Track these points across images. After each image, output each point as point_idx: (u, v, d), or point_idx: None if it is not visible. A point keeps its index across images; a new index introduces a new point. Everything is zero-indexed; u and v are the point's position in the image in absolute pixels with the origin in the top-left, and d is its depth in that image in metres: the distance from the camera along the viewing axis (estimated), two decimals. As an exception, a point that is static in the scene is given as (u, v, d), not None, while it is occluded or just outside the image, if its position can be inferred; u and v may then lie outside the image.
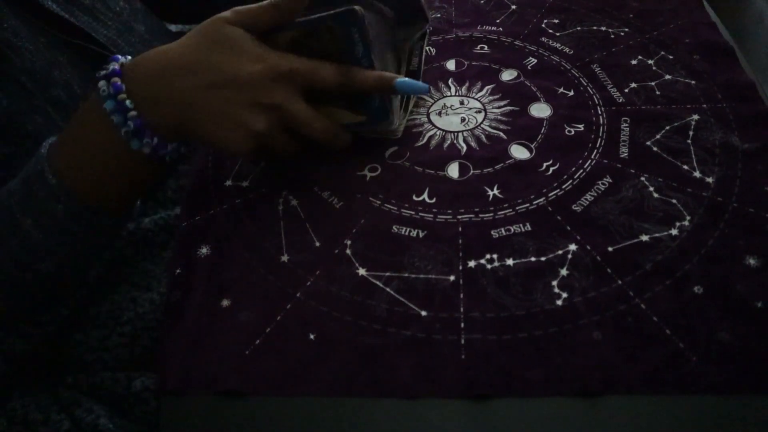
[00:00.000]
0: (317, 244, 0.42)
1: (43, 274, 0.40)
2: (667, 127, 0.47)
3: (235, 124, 0.39)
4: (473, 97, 0.52)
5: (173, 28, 0.67)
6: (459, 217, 0.43)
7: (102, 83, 0.38)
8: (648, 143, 0.47)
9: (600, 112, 0.50)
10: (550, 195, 0.44)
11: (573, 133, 0.48)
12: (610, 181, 0.44)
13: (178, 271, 0.42)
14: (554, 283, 0.38)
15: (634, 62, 0.54)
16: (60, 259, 0.40)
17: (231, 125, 0.39)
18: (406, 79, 0.42)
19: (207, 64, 0.38)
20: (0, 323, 0.43)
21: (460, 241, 0.41)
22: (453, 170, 0.46)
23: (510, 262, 0.40)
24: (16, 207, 0.38)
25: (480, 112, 0.51)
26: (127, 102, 0.37)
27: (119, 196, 0.41)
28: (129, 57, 0.40)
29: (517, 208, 0.43)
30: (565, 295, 0.38)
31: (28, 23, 0.46)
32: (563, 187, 0.44)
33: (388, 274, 0.40)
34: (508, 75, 0.54)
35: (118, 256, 0.48)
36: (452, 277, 0.39)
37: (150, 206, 0.51)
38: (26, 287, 0.41)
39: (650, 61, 0.54)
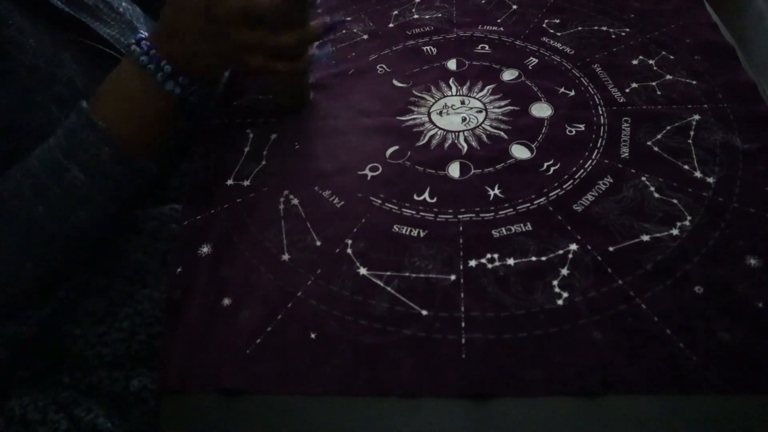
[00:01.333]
0: (318, 243, 0.42)
1: (78, 225, 0.43)
2: (668, 127, 0.48)
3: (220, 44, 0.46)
4: (474, 97, 0.53)
5: None
6: (460, 216, 0.43)
7: (133, 46, 0.45)
8: (649, 143, 0.47)
9: (601, 112, 0.50)
10: (550, 195, 0.44)
11: (574, 133, 0.48)
12: (611, 180, 0.44)
13: (179, 269, 0.42)
14: (555, 282, 0.38)
15: (635, 62, 0.54)
16: (97, 206, 0.44)
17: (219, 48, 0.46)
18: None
19: (194, 20, 0.45)
20: (24, 294, 0.44)
21: (461, 241, 0.41)
22: (454, 170, 0.46)
23: (511, 261, 0.40)
24: (61, 154, 0.42)
25: (481, 111, 0.51)
26: (164, 65, 0.45)
27: (152, 140, 0.46)
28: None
29: (518, 207, 0.43)
30: (565, 294, 0.38)
31: (34, 20, 0.46)
32: (564, 186, 0.44)
33: (388, 273, 0.40)
34: (509, 75, 0.54)
35: (110, 245, 0.48)
36: (453, 277, 0.39)
37: (150, 203, 0.51)
38: (59, 243, 0.42)
39: (651, 61, 0.54)
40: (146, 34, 0.47)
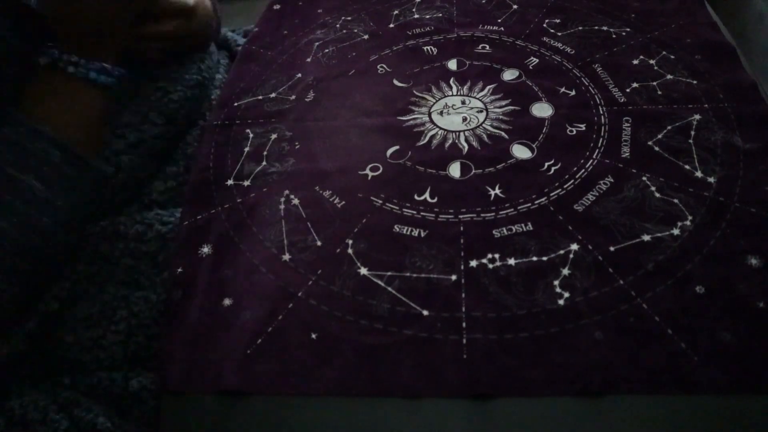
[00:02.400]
0: (319, 243, 0.42)
1: (44, 232, 0.42)
2: (669, 127, 0.47)
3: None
4: (475, 97, 0.52)
5: None
6: (460, 216, 0.43)
7: (43, 59, 0.45)
8: (650, 143, 0.47)
9: (601, 112, 0.50)
10: (551, 194, 0.44)
11: (575, 132, 0.48)
12: (612, 180, 0.44)
13: (179, 270, 0.42)
14: (556, 282, 0.38)
15: (635, 62, 0.54)
16: (60, 211, 0.43)
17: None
18: None
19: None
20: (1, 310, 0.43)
21: (462, 241, 0.41)
22: (454, 170, 0.46)
23: (512, 261, 0.40)
24: (13, 169, 0.42)
25: (481, 111, 0.51)
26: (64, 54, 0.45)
27: (88, 133, 0.46)
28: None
29: (519, 207, 0.43)
30: (566, 294, 0.38)
31: None
32: (565, 186, 0.44)
33: (389, 273, 0.40)
34: (509, 75, 0.54)
35: (95, 253, 0.48)
36: (454, 277, 0.39)
37: (135, 209, 0.51)
38: (28, 253, 0.42)
39: (652, 61, 0.54)
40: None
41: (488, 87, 0.53)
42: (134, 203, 0.51)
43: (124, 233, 0.48)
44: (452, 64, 0.56)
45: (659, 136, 0.47)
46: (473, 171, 0.46)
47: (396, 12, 0.64)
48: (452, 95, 0.53)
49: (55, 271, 0.46)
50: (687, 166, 0.44)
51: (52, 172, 0.42)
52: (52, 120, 0.44)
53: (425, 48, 0.59)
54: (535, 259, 0.40)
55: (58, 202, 0.43)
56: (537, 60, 0.55)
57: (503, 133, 0.49)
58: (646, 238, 0.40)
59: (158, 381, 0.37)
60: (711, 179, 0.43)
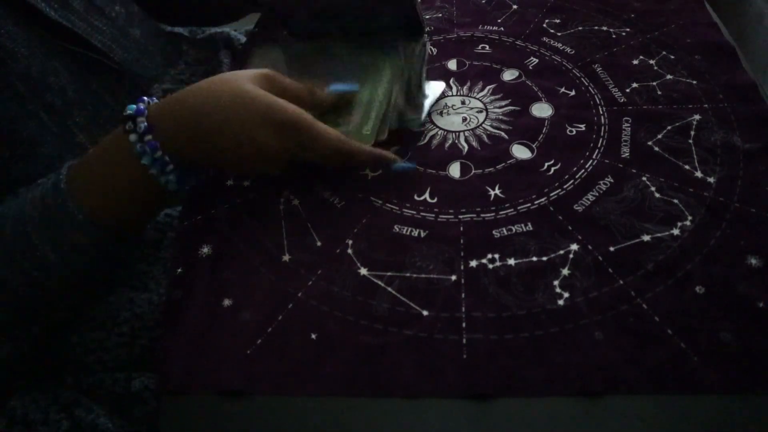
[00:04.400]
0: (319, 243, 0.42)
1: (50, 294, 0.41)
2: (669, 127, 0.47)
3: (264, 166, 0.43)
4: (475, 97, 0.52)
5: (168, 28, 0.67)
6: (460, 216, 0.43)
7: (133, 137, 0.39)
8: (649, 143, 0.47)
9: (601, 112, 0.50)
10: (551, 195, 0.44)
11: (574, 132, 0.48)
12: (612, 180, 0.44)
13: (179, 270, 0.42)
14: (556, 282, 0.38)
15: (635, 62, 0.54)
16: (70, 281, 0.41)
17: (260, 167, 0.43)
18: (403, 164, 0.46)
19: (234, 130, 0.40)
20: None
21: (462, 241, 0.41)
22: (454, 170, 0.46)
23: (511, 261, 0.40)
24: (34, 234, 0.39)
25: (481, 111, 0.51)
26: (165, 157, 0.40)
27: (138, 223, 0.44)
28: (154, 99, 0.42)
29: (519, 207, 0.43)
30: (566, 294, 0.38)
31: (25, 28, 0.46)
32: (565, 186, 0.44)
33: (389, 273, 0.40)
34: (509, 75, 0.54)
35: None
36: (454, 277, 0.39)
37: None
38: (29, 300, 0.41)
39: (651, 61, 0.54)
40: (145, 113, 0.40)
41: (488, 87, 0.53)
42: None
43: (141, 240, 0.48)
44: (452, 64, 0.56)
45: (659, 136, 0.47)
46: (473, 171, 0.46)
47: (396, 12, 0.64)
48: (452, 95, 0.53)
49: (67, 312, 0.45)
50: (687, 166, 0.44)
51: (72, 251, 0.40)
52: (95, 201, 0.40)
53: (425, 48, 0.59)
54: (535, 259, 0.40)
55: (72, 278, 0.41)
56: (537, 60, 0.55)
57: (503, 134, 0.49)
58: (646, 238, 0.40)
59: (159, 381, 0.37)
60: (711, 179, 0.43)
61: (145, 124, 0.39)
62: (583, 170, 0.45)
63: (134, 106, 0.40)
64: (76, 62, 0.49)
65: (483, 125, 0.50)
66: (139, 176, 0.40)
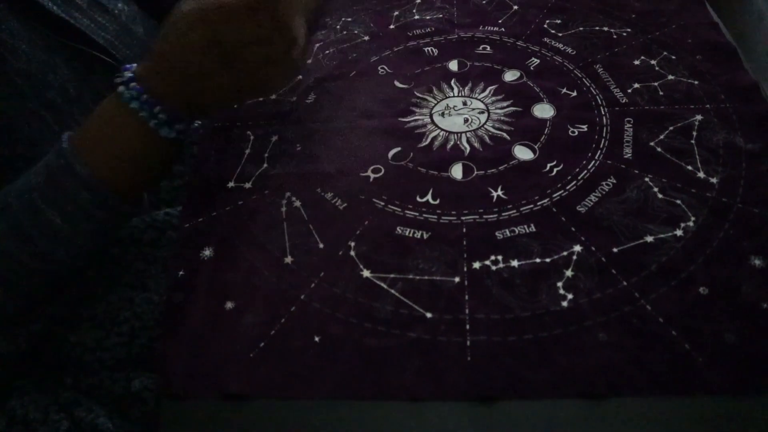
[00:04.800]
0: (321, 245, 0.42)
1: (56, 262, 0.41)
2: (671, 128, 0.47)
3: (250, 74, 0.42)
4: (476, 98, 0.52)
5: None
6: (463, 218, 0.43)
7: (122, 88, 0.41)
8: (652, 144, 0.46)
9: (603, 113, 0.50)
10: (554, 196, 0.44)
11: (576, 133, 0.48)
12: (614, 181, 0.44)
13: (180, 273, 0.42)
14: (559, 284, 0.38)
15: (636, 62, 0.54)
16: (76, 245, 0.41)
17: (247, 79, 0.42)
18: None
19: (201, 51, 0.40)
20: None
21: (464, 243, 0.41)
22: (456, 171, 0.46)
23: (515, 263, 0.40)
24: (39, 199, 0.40)
25: (483, 112, 0.51)
26: (152, 99, 0.41)
27: (140, 182, 0.44)
28: (134, 65, 0.42)
29: (521, 209, 0.43)
30: (570, 296, 0.38)
31: (27, 24, 0.46)
32: (567, 188, 0.44)
33: (392, 275, 0.40)
34: (510, 76, 0.54)
35: (107, 257, 0.48)
36: (457, 279, 0.39)
37: (142, 208, 0.51)
38: (37, 278, 0.41)
39: (653, 62, 0.53)
40: (132, 69, 0.42)
41: (489, 88, 0.53)
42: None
43: (138, 238, 0.48)
44: (453, 65, 0.56)
45: (661, 137, 0.47)
46: (475, 172, 0.46)
47: (396, 13, 0.64)
48: (453, 96, 0.53)
49: (65, 289, 0.46)
50: (689, 167, 0.44)
51: (77, 212, 0.40)
52: (97, 160, 0.40)
53: (426, 49, 0.58)
54: (538, 260, 0.40)
55: (78, 240, 0.41)
56: (538, 61, 0.55)
57: (505, 134, 0.49)
58: (649, 239, 0.40)
59: (160, 385, 0.36)
60: (713, 180, 0.43)
61: (130, 74, 0.41)
62: (585, 171, 0.45)
63: (125, 70, 0.42)
64: (78, 60, 0.48)
65: (485, 126, 0.50)
66: (132, 123, 0.41)
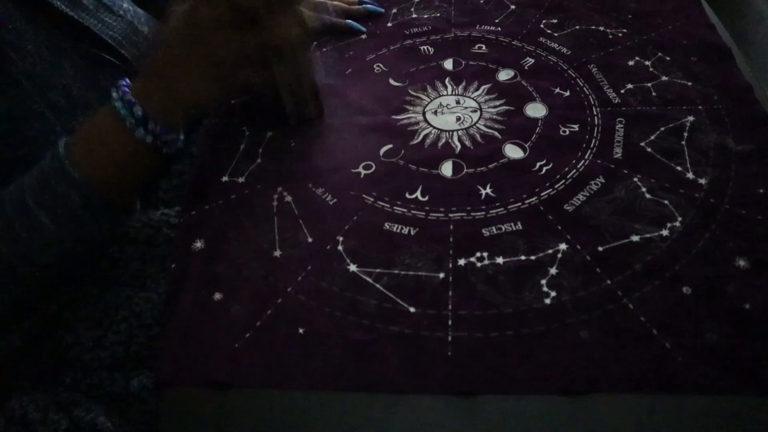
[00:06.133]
0: (309, 239, 0.43)
1: (44, 266, 0.41)
2: (662, 128, 0.47)
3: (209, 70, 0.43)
4: (469, 96, 0.53)
5: None
6: (451, 215, 0.43)
7: (113, 92, 0.43)
8: (642, 144, 0.47)
9: (595, 113, 0.50)
10: (542, 194, 0.44)
11: (567, 133, 0.48)
12: (603, 181, 0.44)
13: (173, 265, 0.42)
14: (543, 281, 0.39)
15: (631, 63, 0.54)
16: (64, 249, 0.42)
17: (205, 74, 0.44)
18: None
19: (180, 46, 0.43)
20: None
21: (451, 239, 0.42)
22: (446, 169, 0.47)
23: (500, 260, 0.40)
24: (31, 201, 0.41)
25: (476, 111, 0.51)
26: (132, 98, 0.42)
27: (125, 187, 0.45)
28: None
29: (509, 207, 0.43)
30: (553, 293, 0.38)
31: (33, 23, 0.46)
32: (556, 186, 0.44)
33: (378, 270, 0.40)
34: (505, 75, 0.54)
35: (105, 257, 0.48)
36: (441, 275, 0.40)
37: (140, 207, 0.51)
38: (24, 281, 0.42)
39: (647, 62, 0.53)
40: (127, 82, 0.44)
41: (483, 87, 0.53)
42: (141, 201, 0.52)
43: (134, 238, 0.49)
44: (448, 64, 0.56)
45: (652, 138, 0.47)
46: (465, 170, 0.46)
47: (394, 11, 0.64)
48: (447, 95, 0.53)
49: (53, 292, 0.46)
50: (679, 168, 0.44)
51: (67, 215, 0.41)
52: (87, 162, 0.42)
53: (422, 47, 0.59)
54: (523, 258, 0.40)
55: (66, 243, 0.42)
56: (533, 60, 0.56)
57: (496, 133, 0.49)
58: (635, 238, 0.40)
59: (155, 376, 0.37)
60: (702, 181, 0.43)
61: (125, 81, 0.43)
62: (574, 170, 0.45)
63: (121, 82, 0.44)
64: (84, 59, 0.49)
65: (477, 125, 0.50)
66: (119, 132, 0.42)
